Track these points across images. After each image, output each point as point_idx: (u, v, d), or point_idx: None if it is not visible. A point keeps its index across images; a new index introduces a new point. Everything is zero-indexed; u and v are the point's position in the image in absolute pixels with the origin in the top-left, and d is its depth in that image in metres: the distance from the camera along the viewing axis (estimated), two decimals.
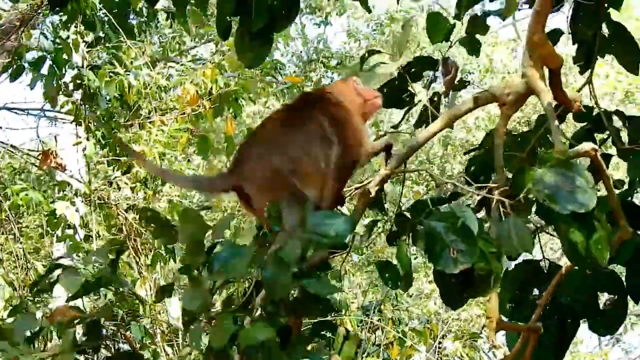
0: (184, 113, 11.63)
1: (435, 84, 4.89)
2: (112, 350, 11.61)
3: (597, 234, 3.73)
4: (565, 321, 4.42)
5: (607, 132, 4.74)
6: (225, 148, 12.09)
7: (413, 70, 4.77)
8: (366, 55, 4.79)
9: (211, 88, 11.48)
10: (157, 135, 11.12)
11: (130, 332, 10.64)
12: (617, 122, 4.86)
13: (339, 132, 4.13)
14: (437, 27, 4.74)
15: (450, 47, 4.78)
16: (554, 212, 3.65)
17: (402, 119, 5.09)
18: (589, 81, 4.79)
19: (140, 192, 11.29)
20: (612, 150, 4.85)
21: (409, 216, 4.04)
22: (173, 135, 11.39)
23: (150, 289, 10.95)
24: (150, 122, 11.58)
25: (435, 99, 4.79)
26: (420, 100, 4.79)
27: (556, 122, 4.07)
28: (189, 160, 14.25)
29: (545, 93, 4.19)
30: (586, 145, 3.81)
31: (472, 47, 4.85)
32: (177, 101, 11.96)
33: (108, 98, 10.95)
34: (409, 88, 4.77)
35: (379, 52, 4.80)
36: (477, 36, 4.85)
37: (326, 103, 4.23)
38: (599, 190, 3.74)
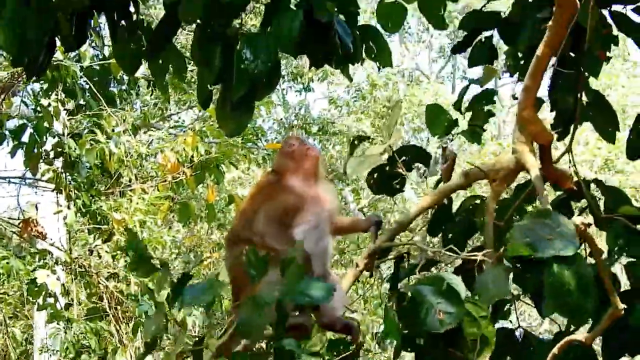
0: (165, 180, 11.64)
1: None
2: None
3: (582, 279, 3.73)
4: None
5: (585, 201, 4.74)
6: (206, 215, 12.10)
7: (404, 158, 4.82)
8: (355, 141, 4.84)
9: (192, 155, 11.49)
10: (137, 203, 11.11)
11: None
12: (595, 191, 4.87)
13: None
14: (437, 119, 4.83)
15: (452, 139, 4.84)
16: (537, 264, 3.70)
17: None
18: (569, 149, 4.78)
19: (120, 261, 11.24)
20: (590, 219, 4.86)
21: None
22: (154, 203, 11.38)
23: (131, 357, 10.88)
24: (131, 190, 11.58)
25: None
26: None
27: (547, 198, 4.14)
28: (169, 227, 14.26)
29: (535, 169, 4.25)
30: (576, 220, 3.83)
31: (474, 136, 4.93)
32: (158, 169, 11.97)
33: (89, 166, 10.93)
34: (400, 172, 4.83)
35: (367, 138, 4.85)
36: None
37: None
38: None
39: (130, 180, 11.84)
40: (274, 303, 3.54)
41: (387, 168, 4.80)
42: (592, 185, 4.84)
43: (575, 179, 4.70)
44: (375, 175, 4.82)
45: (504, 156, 4.46)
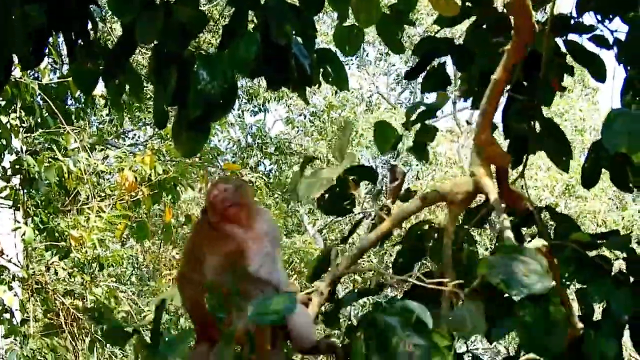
0: (122, 199, 11.69)
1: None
2: None
3: (553, 317, 3.76)
4: None
5: (535, 227, 4.71)
6: (163, 233, 12.17)
7: (352, 178, 4.74)
8: (305, 162, 4.75)
9: (150, 174, 11.55)
10: (95, 221, 11.16)
11: None
12: (545, 218, 4.88)
13: None
14: (385, 136, 4.76)
15: (397, 156, 4.80)
16: (509, 299, 3.71)
17: (352, 232, 5.13)
18: (521, 175, 4.85)
19: (77, 277, 11.28)
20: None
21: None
22: (111, 221, 11.43)
23: None
24: (88, 208, 11.62)
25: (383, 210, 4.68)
26: (362, 214, 4.81)
27: (506, 221, 4.15)
28: (123, 244, 14.28)
29: (494, 192, 4.28)
30: (537, 242, 3.95)
31: (420, 154, 4.90)
32: (116, 187, 12.03)
33: (47, 183, 10.96)
34: (350, 193, 4.76)
35: (316, 158, 4.79)
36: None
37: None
38: None
39: (87, 198, 11.89)
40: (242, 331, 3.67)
41: (337, 189, 4.73)
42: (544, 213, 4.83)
43: (528, 205, 4.67)
44: (326, 197, 4.74)
45: (461, 179, 4.43)
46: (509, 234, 4.05)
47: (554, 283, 3.77)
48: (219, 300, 3.80)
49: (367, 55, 31.03)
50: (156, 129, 19.28)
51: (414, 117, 4.75)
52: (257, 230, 4.37)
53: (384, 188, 4.96)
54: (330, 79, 4.82)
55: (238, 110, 24.30)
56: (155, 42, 4.44)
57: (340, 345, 4.20)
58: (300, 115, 25.52)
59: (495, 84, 4.32)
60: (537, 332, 3.76)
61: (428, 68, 5.24)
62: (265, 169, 24.07)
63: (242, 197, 4.39)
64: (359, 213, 4.92)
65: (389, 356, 3.74)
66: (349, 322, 4.23)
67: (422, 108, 4.77)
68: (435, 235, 4.68)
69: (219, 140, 23.63)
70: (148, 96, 12.77)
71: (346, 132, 4.90)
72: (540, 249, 3.89)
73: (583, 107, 26.10)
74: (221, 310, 3.79)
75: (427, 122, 4.80)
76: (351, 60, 29.12)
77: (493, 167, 4.49)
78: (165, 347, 3.72)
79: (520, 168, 4.93)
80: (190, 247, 4.48)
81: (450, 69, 5.35)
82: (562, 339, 3.81)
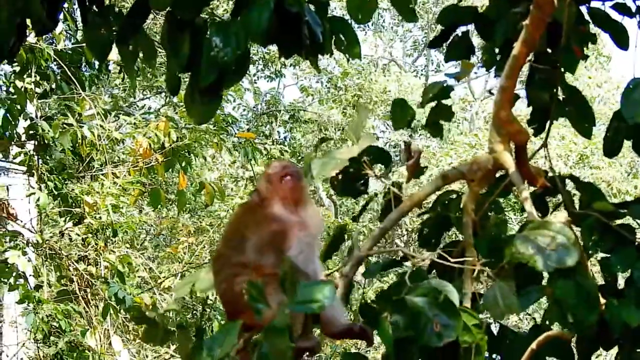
0: (136, 166, 11.70)
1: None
2: None
3: (584, 290, 3.77)
4: None
5: (560, 197, 4.70)
6: (177, 200, 12.18)
7: (365, 159, 4.70)
8: (319, 142, 4.80)
9: (164, 141, 11.56)
10: (109, 187, 11.17)
11: None
12: (569, 186, 4.83)
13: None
14: (402, 114, 4.73)
15: (413, 133, 4.75)
16: (539, 274, 3.76)
17: (362, 211, 5.09)
18: (544, 144, 4.81)
19: (91, 243, 11.31)
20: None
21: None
22: (125, 187, 11.45)
23: (100, 339, 10.94)
24: (102, 174, 11.64)
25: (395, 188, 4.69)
26: (376, 193, 4.77)
27: (529, 198, 4.12)
28: (140, 211, 14.31)
29: (513, 168, 4.26)
30: (560, 216, 3.91)
31: (436, 131, 4.90)
32: (130, 154, 12.03)
33: (61, 149, 10.98)
34: (364, 174, 4.72)
35: (330, 139, 4.73)
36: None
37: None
38: None
39: (102, 165, 11.91)
40: (287, 325, 3.53)
41: (351, 170, 4.71)
42: (567, 181, 4.81)
43: (551, 174, 4.69)
44: (340, 177, 4.72)
45: (481, 156, 4.41)
46: (531, 209, 4.01)
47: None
48: (258, 290, 3.65)
49: (383, 21, 31.01)
50: (169, 98, 19.33)
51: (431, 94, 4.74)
52: (303, 218, 4.34)
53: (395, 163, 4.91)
54: (342, 47, 4.75)
55: (253, 76, 24.27)
56: (169, 9, 4.38)
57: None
58: (317, 82, 25.48)
59: (514, 61, 4.27)
60: (568, 306, 3.77)
61: (452, 37, 5.17)
62: (279, 136, 24.07)
63: (302, 178, 4.41)
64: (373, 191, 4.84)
65: (418, 337, 3.75)
66: (363, 301, 4.15)
67: (442, 81, 4.75)
68: (461, 205, 4.65)
69: (233, 108, 23.65)
70: (161, 63, 12.74)
71: (362, 114, 4.83)
72: (564, 223, 3.83)
73: (594, 75, 26.01)
74: (260, 301, 3.63)
75: (452, 113, 4.79)
76: (367, 26, 29.08)
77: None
78: (210, 344, 3.62)
79: (543, 137, 4.87)
80: (233, 227, 4.44)
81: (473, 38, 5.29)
82: (594, 312, 3.81)
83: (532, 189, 4.58)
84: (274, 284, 3.86)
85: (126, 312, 10.88)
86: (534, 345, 4.02)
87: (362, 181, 4.76)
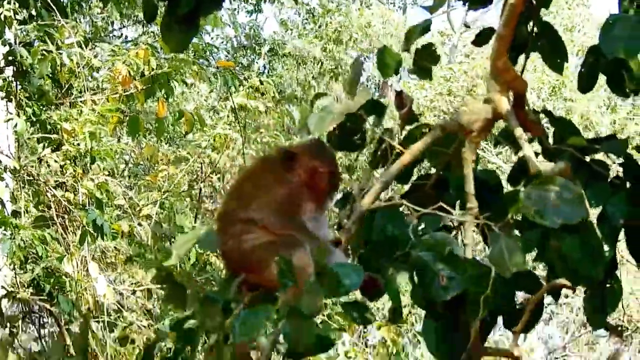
0: (115, 93, 11.69)
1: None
2: (38, 324, 11.68)
3: (591, 246, 3.77)
4: (484, 319, 4.45)
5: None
6: (155, 129, 12.19)
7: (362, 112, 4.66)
8: (315, 98, 4.72)
9: (143, 69, 11.54)
10: (88, 114, 11.16)
11: (57, 308, 10.71)
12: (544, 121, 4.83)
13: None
14: (388, 62, 4.68)
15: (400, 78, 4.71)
16: (545, 229, 3.72)
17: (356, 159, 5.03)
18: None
19: (69, 170, 11.31)
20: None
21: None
22: (104, 115, 11.43)
23: (77, 266, 11.00)
24: (81, 101, 11.62)
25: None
26: (372, 139, 4.73)
27: (529, 147, 4.13)
28: (118, 140, 14.30)
29: (513, 118, 4.27)
30: (561, 164, 3.90)
31: (423, 75, 4.85)
32: (109, 81, 12.01)
33: (40, 76, 10.95)
34: (360, 128, 4.69)
35: (325, 94, 4.72)
36: None
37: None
38: None
39: (80, 92, 11.89)
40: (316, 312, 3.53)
41: (348, 124, 4.67)
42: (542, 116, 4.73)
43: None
44: (336, 132, 4.67)
45: (479, 106, 4.37)
46: (532, 158, 4.02)
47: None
48: (288, 265, 3.62)
49: None
50: (147, 27, 19.25)
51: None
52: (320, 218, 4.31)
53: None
54: None
55: (233, 10, 24.15)
56: None
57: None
58: (295, 13, 25.41)
59: (511, 8, 4.23)
60: (575, 262, 3.78)
61: None
62: (258, 68, 24.03)
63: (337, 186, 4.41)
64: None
65: (423, 289, 3.80)
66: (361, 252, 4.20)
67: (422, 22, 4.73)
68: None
69: (211, 38, 23.57)
70: None
71: (355, 69, 4.80)
72: (565, 170, 3.88)
73: (572, 6, 26.03)
74: (289, 277, 3.60)
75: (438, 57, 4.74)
76: None
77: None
78: (245, 322, 3.56)
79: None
80: (245, 183, 4.34)
81: None
82: (601, 267, 3.82)
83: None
84: (282, 245, 3.92)
85: (103, 239, 10.93)
86: (531, 306, 4.13)
87: (358, 135, 4.74)
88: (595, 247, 3.82)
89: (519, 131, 4.21)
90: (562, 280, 4.13)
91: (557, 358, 16.96)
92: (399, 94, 4.72)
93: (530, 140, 4.78)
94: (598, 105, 23.10)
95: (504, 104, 4.33)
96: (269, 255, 3.92)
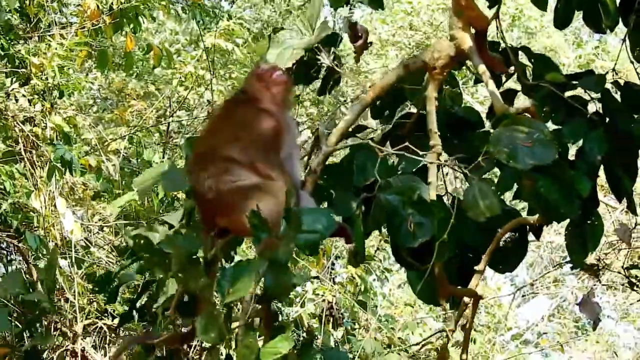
0: (83, 27, 11.56)
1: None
2: (4, 261, 11.64)
3: (564, 185, 3.85)
4: (466, 255, 4.54)
5: (512, 68, 4.76)
6: (124, 63, 12.10)
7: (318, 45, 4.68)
8: (273, 32, 4.69)
9: (112, 3, 11.42)
10: (56, 48, 11.04)
11: (24, 244, 10.67)
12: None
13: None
14: None
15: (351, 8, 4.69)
16: (516, 170, 3.79)
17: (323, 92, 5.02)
18: (496, 16, 4.77)
19: (37, 105, 11.21)
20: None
21: None
22: (72, 49, 11.32)
23: (45, 201, 10.94)
24: (49, 35, 11.49)
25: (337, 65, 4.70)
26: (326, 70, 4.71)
27: (492, 84, 4.19)
28: (87, 74, 14.17)
29: (476, 55, 4.31)
30: (526, 102, 3.98)
31: (375, 3, 4.84)
32: (78, 15, 11.88)
33: (8, 10, 10.79)
34: (316, 61, 4.71)
35: (282, 29, 4.70)
36: None
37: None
38: None
39: (49, 26, 11.75)
40: (290, 258, 3.54)
41: (305, 58, 4.70)
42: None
43: (503, 46, 4.74)
44: (293, 66, 4.67)
45: (441, 43, 4.41)
46: (496, 93, 4.06)
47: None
48: (260, 219, 3.62)
49: None
50: None
51: None
52: (288, 120, 4.30)
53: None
54: None
55: None
56: None
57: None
58: None
59: None
60: (549, 201, 3.85)
61: None
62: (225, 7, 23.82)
63: (288, 80, 4.35)
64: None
65: (392, 234, 3.87)
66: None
67: None
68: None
69: None
70: None
71: (315, 3, 4.75)
72: (530, 108, 3.90)
73: None
74: (264, 230, 3.61)
75: None
76: None
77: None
78: (228, 278, 3.57)
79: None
80: (221, 122, 4.30)
81: None
82: (575, 204, 3.92)
83: None
84: (267, 187, 3.91)
85: (72, 174, 10.88)
86: (501, 231, 4.18)
87: (314, 67, 4.77)
88: (569, 186, 3.91)
89: (482, 68, 4.29)
90: (530, 218, 4.23)
91: (524, 295, 17.17)
92: (353, 25, 4.73)
93: (509, 77, 4.84)
94: (564, 38, 23.14)
95: (467, 41, 4.39)
96: (245, 200, 3.90)
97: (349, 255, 4.18)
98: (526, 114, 4.04)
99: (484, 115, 4.77)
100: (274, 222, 3.69)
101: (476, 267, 4.47)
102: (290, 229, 3.56)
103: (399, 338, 13.11)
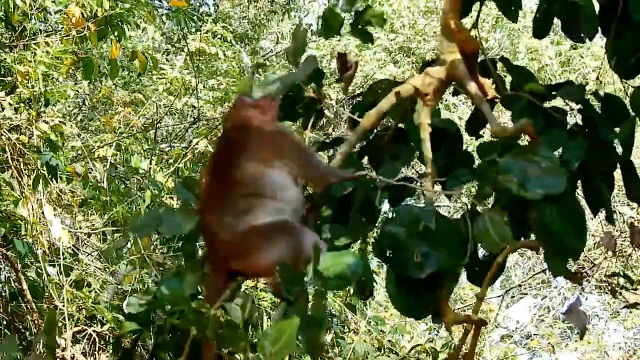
0: (68, 35, 11.59)
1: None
2: None
3: (573, 216, 3.73)
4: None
5: (491, 79, 4.56)
6: (109, 71, 12.13)
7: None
8: (255, 67, 4.66)
9: (97, 11, 11.44)
10: (41, 56, 11.06)
11: (13, 252, 10.68)
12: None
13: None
14: (331, 23, 4.56)
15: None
16: (526, 201, 3.66)
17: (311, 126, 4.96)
18: (475, 25, 4.77)
19: (23, 113, 11.22)
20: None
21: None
22: (58, 57, 11.34)
23: (33, 209, 10.95)
24: (35, 43, 11.51)
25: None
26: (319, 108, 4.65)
27: (487, 106, 4.13)
28: (75, 83, 14.18)
29: (468, 79, 4.24)
30: (522, 121, 3.88)
31: (364, 37, 4.71)
32: (63, 23, 11.91)
33: None
34: (305, 97, 4.64)
35: (265, 64, 4.64)
36: None
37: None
38: None
39: (34, 34, 11.77)
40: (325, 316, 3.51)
41: (290, 94, 4.60)
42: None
43: (482, 57, 4.61)
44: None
45: (432, 69, 4.37)
46: (494, 120, 4.02)
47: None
48: (291, 271, 3.52)
49: None
50: None
51: None
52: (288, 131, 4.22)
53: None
54: None
55: None
56: None
57: None
58: None
59: None
60: (559, 234, 3.74)
61: None
62: (209, 9, 23.86)
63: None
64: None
65: (398, 267, 3.78)
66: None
67: None
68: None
69: None
70: None
71: (300, 37, 4.65)
72: (526, 127, 3.88)
73: None
74: (297, 284, 3.50)
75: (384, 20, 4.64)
76: None
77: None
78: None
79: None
80: (222, 159, 4.01)
81: None
82: (584, 237, 3.79)
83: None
84: (284, 226, 3.80)
85: (57, 181, 10.89)
86: (500, 259, 4.11)
87: (300, 104, 4.66)
88: (578, 217, 3.78)
89: (474, 90, 4.21)
90: (530, 241, 4.16)
91: (513, 297, 17.17)
92: (342, 56, 4.64)
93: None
94: (548, 38, 23.19)
95: (458, 64, 4.31)
96: (263, 241, 3.76)
97: (354, 288, 4.11)
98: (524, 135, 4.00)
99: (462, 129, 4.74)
100: (294, 262, 3.62)
101: (476, 294, 4.40)
102: (320, 285, 3.49)
103: (389, 341, 13.09)
